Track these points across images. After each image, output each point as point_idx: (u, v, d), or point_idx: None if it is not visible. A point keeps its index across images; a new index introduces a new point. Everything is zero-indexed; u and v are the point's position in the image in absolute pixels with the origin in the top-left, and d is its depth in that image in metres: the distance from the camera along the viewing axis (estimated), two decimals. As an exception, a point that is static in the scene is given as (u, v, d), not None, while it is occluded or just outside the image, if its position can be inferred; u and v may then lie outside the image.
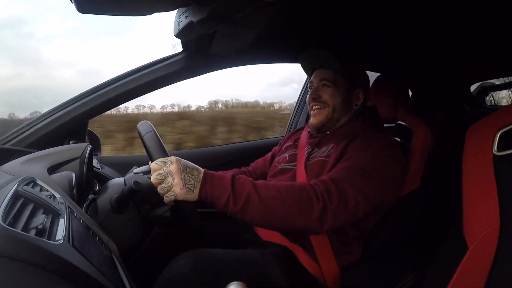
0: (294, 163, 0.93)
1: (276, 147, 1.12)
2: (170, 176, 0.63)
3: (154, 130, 0.70)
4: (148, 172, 0.66)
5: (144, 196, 0.73)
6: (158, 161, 0.65)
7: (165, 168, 0.64)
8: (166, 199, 0.64)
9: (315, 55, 0.92)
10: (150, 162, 0.67)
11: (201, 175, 0.66)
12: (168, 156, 0.67)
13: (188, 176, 0.64)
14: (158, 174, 0.63)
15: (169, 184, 0.63)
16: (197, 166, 0.68)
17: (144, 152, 0.72)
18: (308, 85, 0.97)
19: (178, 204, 0.65)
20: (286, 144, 1.05)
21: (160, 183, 0.63)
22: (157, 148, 0.68)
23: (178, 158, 0.66)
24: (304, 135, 1.00)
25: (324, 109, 0.90)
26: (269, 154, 1.12)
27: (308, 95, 0.94)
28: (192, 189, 0.64)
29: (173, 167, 0.63)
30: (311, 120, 0.93)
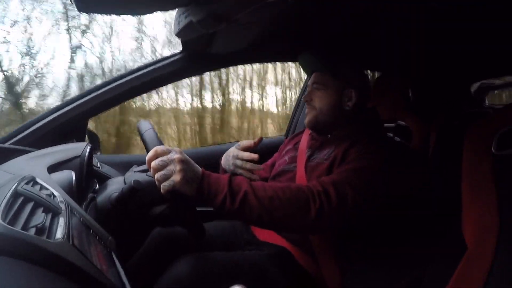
0: (293, 164, 0.93)
1: (276, 154, 1.13)
2: (173, 164, 0.62)
3: (153, 128, 0.71)
4: (147, 170, 0.66)
5: (144, 195, 0.73)
6: (163, 147, 0.64)
7: (169, 155, 0.63)
8: (163, 187, 0.62)
9: (304, 59, 0.97)
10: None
11: (200, 173, 0.66)
12: None
13: (190, 169, 0.64)
14: (161, 160, 0.62)
15: (170, 171, 0.62)
16: (196, 164, 0.67)
17: (144, 152, 0.72)
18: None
19: (175, 198, 0.64)
20: (286, 148, 1.05)
21: (160, 170, 0.62)
22: (157, 144, 0.67)
23: (182, 150, 0.66)
24: (304, 138, 1.00)
25: (312, 111, 0.93)
26: (270, 160, 1.13)
27: None
28: (191, 182, 0.63)
29: (177, 157, 0.63)
30: (305, 119, 0.96)
